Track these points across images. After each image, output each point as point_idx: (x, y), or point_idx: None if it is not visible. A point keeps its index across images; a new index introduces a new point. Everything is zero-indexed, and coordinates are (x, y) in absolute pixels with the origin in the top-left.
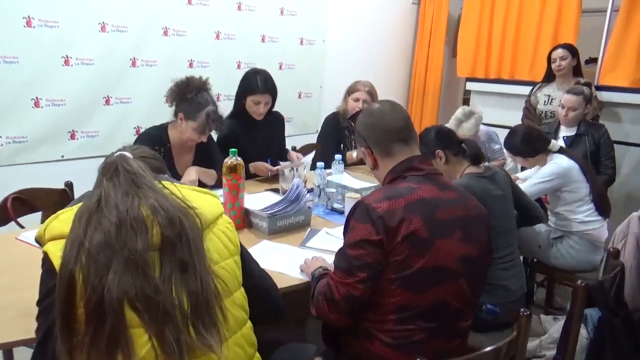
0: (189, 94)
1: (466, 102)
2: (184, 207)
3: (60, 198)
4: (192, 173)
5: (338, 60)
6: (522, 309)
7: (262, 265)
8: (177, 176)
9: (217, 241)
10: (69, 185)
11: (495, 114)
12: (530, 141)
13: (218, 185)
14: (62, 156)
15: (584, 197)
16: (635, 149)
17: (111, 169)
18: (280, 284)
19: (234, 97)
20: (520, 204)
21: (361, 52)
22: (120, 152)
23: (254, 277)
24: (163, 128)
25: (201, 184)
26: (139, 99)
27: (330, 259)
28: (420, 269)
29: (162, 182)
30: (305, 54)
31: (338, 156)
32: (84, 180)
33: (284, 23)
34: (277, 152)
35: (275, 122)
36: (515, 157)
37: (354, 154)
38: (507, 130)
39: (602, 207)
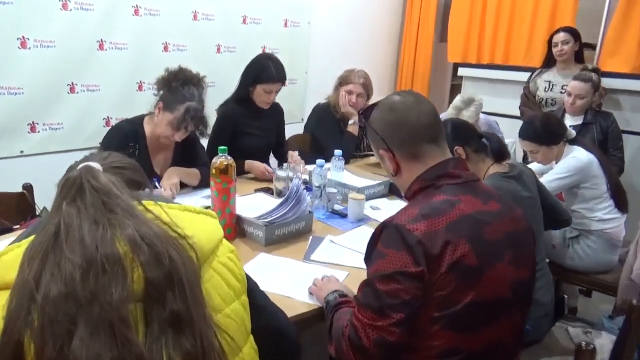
0: (174, 82)
1: (455, 88)
2: (173, 237)
3: (17, 203)
4: (173, 176)
5: (324, 44)
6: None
7: (261, 287)
8: (154, 176)
9: (219, 280)
10: (28, 188)
11: (488, 101)
12: (550, 124)
13: (202, 185)
14: (21, 152)
15: (602, 194)
16: (635, 137)
17: (73, 187)
18: (288, 311)
19: (213, 85)
20: (546, 205)
21: (347, 35)
22: (85, 164)
23: (264, 315)
24: (138, 121)
25: (183, 186)
26: (107, 86)
27: (339, 275)
28: (469, 304)
29: (143, 202)
30: (289, 37)
31: (338, 151)
32: (46, 181)
33: (266, 2)
34: (273, 145)
35: (276, 114)
36: (540, 148)
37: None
38: (503, 119)
39: (620, 201)
